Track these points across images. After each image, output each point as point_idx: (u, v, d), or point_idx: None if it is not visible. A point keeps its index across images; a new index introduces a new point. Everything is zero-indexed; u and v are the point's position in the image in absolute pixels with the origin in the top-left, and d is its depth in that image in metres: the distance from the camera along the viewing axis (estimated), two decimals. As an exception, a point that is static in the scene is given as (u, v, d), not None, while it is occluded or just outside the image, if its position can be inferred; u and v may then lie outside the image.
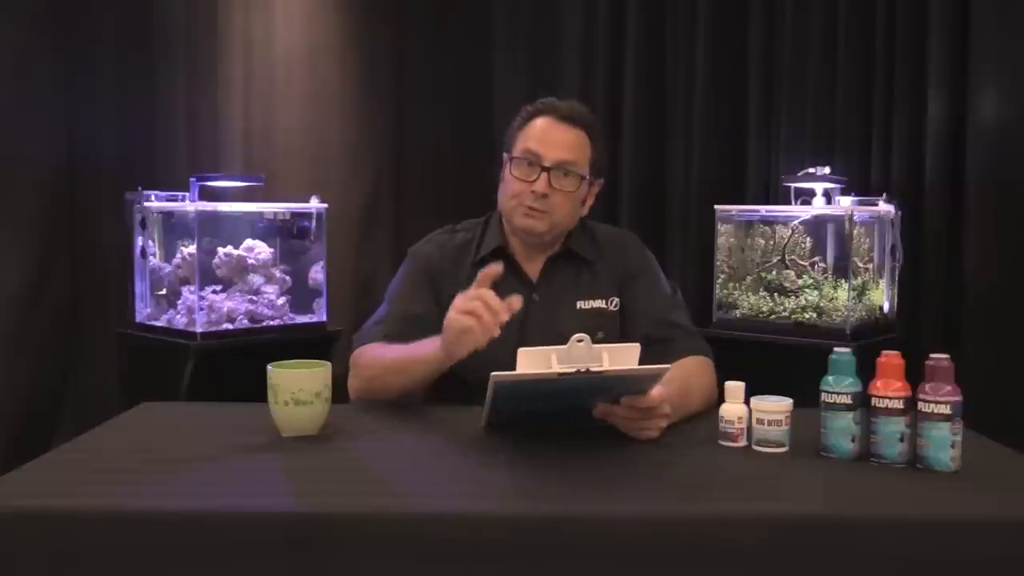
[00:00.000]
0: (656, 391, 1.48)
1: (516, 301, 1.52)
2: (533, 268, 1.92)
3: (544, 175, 1.82)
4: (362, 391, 1.78)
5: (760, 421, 1.45)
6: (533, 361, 1.43)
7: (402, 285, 1.92)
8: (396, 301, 1.90)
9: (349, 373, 1.80)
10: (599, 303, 1.90)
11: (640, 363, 1.47)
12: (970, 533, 1.17)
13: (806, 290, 2.86)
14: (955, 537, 1.16)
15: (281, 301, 3.03)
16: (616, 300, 1.91)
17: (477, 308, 1.50)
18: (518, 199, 1.85)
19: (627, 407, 1.48)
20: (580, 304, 1.89)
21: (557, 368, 1.40)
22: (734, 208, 3.05)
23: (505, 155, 1.93)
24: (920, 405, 1.35)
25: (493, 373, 1.41)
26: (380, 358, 1.76)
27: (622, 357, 1.45)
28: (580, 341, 1.43)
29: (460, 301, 1.54)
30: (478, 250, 1.92)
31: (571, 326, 1.47)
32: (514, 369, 1.42)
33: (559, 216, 1.86)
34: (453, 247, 1.94)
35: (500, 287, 1.89)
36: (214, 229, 2.97)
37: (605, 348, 1.45)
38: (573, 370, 1.39)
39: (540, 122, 1.87)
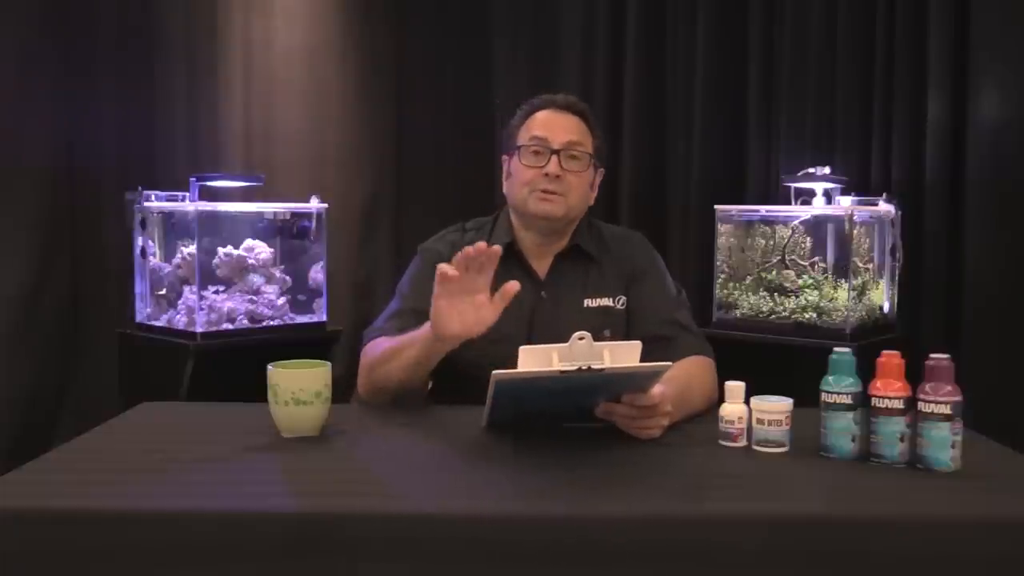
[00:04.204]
0: (657, 389, 1.48)
1: (512, 287, 1.53)
2: (541, 266, 1.93)
3: (555, 158, 1.85)
4: (367, 385, 1.77)
5: (760, 421, 1.45)
6: (534, 359, 1.42)
7: (412, 282, 1.92)
8: (407, 298, 1.90)
9: (359, 370, 1.80)
10: (606, 301, 1.90)
11: (642, 361, 1.47)
12: (970, 533, 1.17)
13: (806, 290, 2.86)
14: (955, 537, 1.16)
15: (281, 301, 3.03)
16: (623, 299, 1.91)
17: (444, 275, 1.52)
18: (531, 186, 1.87)
19: (628, 406, 1.48)
20: (587, 302, 1.89)
21: (558, 366, 1.40)
22: (734, 208, 3.05)
23: (505, 156, 1.95)
24: (920, 405, 1.35)
25: (494, 372, 1.41)
26: (382, 348, 1.76)
27: (623, 355, 1.45)
28: (581, 339, 1.43)
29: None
30: None
31: (578, 324, 1.47)
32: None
33: (574, 199, 1.88)
34: (464, 245, 1.94)
35: None
36: (214, 229, 2.96)
37: (606, 345, 1.45)
38: (574, 368, 1.38)
39: (541, 114, 1.92)
